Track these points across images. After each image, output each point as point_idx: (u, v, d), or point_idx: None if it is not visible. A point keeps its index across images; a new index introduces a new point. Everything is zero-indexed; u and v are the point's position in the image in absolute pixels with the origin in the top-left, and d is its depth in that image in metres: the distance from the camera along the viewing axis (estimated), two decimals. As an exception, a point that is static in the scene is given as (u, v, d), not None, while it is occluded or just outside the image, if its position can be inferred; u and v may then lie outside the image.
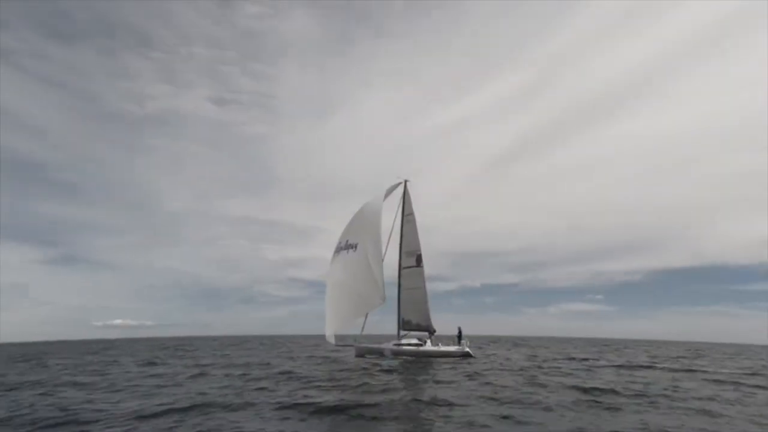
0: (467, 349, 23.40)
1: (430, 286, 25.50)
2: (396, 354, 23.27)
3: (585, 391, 11.25)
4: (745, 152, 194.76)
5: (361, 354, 24.46)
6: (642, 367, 20.33)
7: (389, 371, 16.75)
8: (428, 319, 24.55)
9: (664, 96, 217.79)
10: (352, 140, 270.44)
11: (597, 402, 9.84)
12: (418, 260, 25.10)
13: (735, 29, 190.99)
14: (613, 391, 11.31)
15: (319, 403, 9.41)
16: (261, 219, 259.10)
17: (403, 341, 24.15)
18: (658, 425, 7.66)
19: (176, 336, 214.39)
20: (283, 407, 9.13)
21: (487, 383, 12.98)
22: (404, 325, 24.98)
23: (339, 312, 24.25)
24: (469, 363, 20.68)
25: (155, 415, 8.71)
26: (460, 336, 25.30)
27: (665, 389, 12.24)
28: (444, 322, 24.77)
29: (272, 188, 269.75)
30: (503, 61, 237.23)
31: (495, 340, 71.46)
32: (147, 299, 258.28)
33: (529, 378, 14.23)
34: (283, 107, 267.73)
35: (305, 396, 10.55)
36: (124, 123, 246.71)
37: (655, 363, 22.93)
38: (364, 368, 17.97)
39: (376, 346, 24.70)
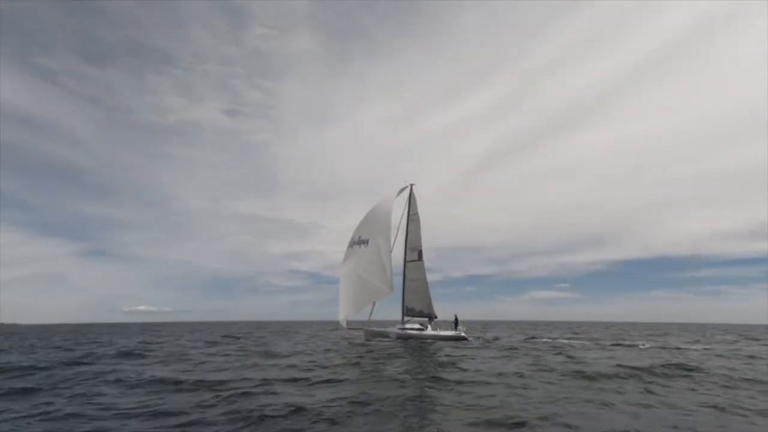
0: (463, 334, 23.77)
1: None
2: (400, 337, 23.56)
3: (632, 368, 11.16)
4: (684, 161, 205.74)
5: (370, 337, 24.56)
6: (631, 346, 20.77)
7: (425, 350, 17.01)
8: (430, 306, 24.97)
9: (619, 110, 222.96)
10: (350, 146, 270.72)
11: (652, 376, 10.10)
12: (420, 255, 25.50)
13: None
14: (642, 369, 11.47)
15: (400, 374, 9.60)
16: (266, 217, 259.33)
17: (407, 326, 24.58)
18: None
19: (196, 321, 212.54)
20: (384, 379, 9.34)
21: (534, 362, 13.34)
22: (408, 312, 25.31)
23: (351, 300, 24.81)
24: (481, 346, 20.95)
25: (279, 381, 8.91)
26: (456, 322, 25.73)
27: (679, 366, 12.70)
28: (436, 310, 25.03)
29: (276, 190, 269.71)
30: (486, 73, 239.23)
31: (486, 325, 72.03)
32: (165, 288, 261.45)
33: (569, 358, 14.19)
34: (286, 117, 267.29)
35: (391, 368, 10.80)
36: (147, 133, 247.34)
37: (642, 342, 23.47)
38: (402, 348, 18.27)
39: (382, 330, 25.05)
